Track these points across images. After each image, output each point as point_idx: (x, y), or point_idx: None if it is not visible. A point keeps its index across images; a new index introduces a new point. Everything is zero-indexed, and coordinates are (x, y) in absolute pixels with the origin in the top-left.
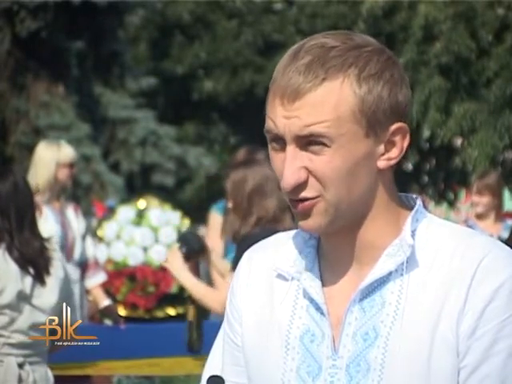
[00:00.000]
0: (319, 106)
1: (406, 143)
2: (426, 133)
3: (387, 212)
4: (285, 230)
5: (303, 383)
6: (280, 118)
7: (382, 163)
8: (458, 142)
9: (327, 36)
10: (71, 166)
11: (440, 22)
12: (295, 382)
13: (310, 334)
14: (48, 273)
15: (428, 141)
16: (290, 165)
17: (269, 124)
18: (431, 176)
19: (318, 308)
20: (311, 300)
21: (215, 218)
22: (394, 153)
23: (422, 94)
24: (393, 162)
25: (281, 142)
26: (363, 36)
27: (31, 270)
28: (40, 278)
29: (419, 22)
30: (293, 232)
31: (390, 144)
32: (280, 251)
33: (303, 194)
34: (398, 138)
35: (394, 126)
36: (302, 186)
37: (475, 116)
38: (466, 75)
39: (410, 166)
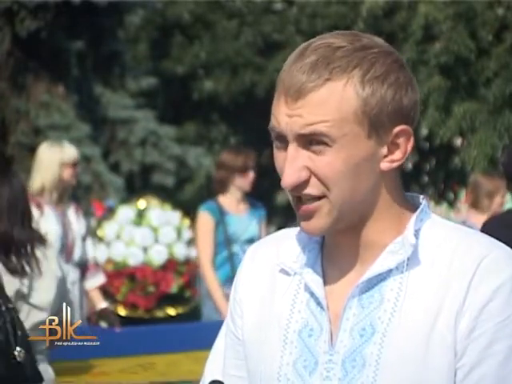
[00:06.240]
0: (322, 106)
1: (409, 146)
2: (425, 131)
3: (390, 213)
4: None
5: (300, 377)
6: (283, 115)
7: (384, 165)
8: (458, 141)
9: (335, 36)
10: (74, 165)
11: (440, 22)
12: (292, 375)
13: (309, 328)
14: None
15: (428, 140)
16: (291, 164)
17: (272, 121)
18: (431, 176)
19: (318, 303)
20: (312, 294)
21: (204, 218)
22: (398, 155)
23: (421, 94)
24: (396, 164)
25: (284, 140)
26: (372, 37)
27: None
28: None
29: (419, 22)
30: (298, 228)
31: (394, 146)
32: (284, 246)
33: (307, 191)
34: (401, 141)
35: (397, 129)
36: (304, 184)
37: (475, 116)
38: (465, 75)
39: (409, 166)
